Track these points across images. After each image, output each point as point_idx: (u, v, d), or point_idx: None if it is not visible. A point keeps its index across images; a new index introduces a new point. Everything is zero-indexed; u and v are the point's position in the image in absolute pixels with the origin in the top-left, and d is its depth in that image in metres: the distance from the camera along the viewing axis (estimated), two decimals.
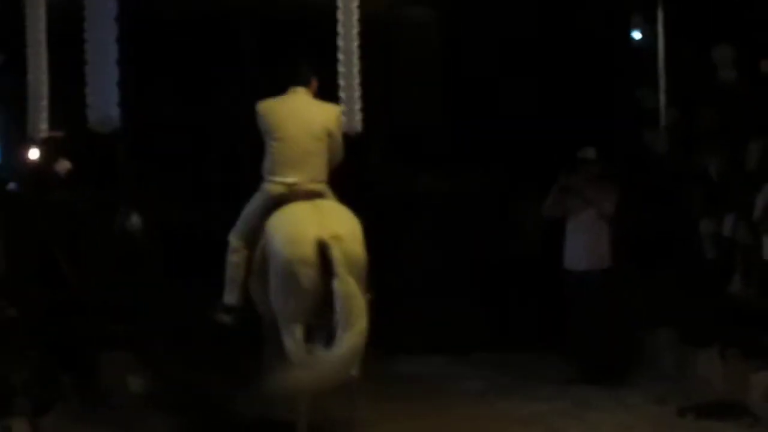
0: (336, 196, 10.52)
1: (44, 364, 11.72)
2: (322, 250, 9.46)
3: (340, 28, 6.17)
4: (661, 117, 14.09)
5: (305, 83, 9.37)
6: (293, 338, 9.79)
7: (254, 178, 20.70)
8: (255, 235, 10.32)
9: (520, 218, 17.96)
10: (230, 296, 10.61)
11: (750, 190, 13.99)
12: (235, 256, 10.53)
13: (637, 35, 18.53)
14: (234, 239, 10.59)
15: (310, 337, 9.92)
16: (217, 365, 14.62)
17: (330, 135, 10.18)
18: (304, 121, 8.57)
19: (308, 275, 9.55)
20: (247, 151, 20.81)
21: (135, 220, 15.11)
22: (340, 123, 10.54)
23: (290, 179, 10.17)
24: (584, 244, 14.73)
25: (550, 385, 14.28)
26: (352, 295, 9.29)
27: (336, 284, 9.29)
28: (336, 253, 9.37)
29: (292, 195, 10.10)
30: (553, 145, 15.79)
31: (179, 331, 15.96)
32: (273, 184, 10.31)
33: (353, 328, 9.21)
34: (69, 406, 12.06)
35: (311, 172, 10.22)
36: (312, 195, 10.13)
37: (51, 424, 11.21)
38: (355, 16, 6.16)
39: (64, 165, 15.39)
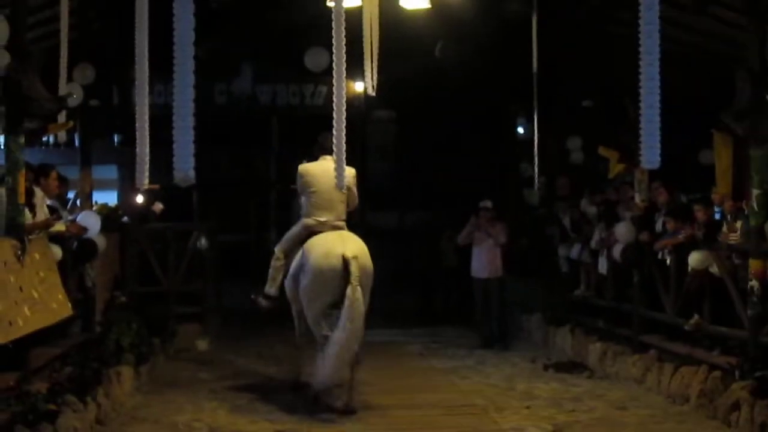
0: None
1: (142, 331, 11.65)
2: (345, 263, 9.29)
3: (334, 123, 6.13)
4: (535, 183, 14.08)
5: (331, 152, 8.83)
6: (317, 324, 9.62)
7: (279, 216, 20.85)
8: (292, 251, 10.22)
9: (444, 244, 18.01)
10: (271, 289, 10.46)
11: (590, 230, 14.06)
12: (278, 262, 10.43)
13: (521, 130, 18.58)
14: (278, 251, 10.51)
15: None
16: (253, 333, 14.56)
17: (348, 188, 9.88)
18: (331, 178, 7.79)
19: (335, 280, 9.34)
20: (273, 196, 20.98)
21: (203, 242, 15.12)
22: (355, 181, 10.31)
23: (322, 218, 9.99)
24: (485, 261, 14.71)
25: (462, 349, 14.26)
26: (357, 300, 9.11)
27: (349, 290, 9.12)
28: (353, 268, 9.22)
29: (322, 227, 9.96)
30: (465, 198, 15.79)
31: (228, 312, 16.01)
32: (309, 220, 10.09)
33: (353, 322, 9.04)
34: (158, 359, 11.99)
35: (336, 214, 10.07)
36: (336, 228, 10.00)
37: (147, 371, 11.15)
38: (344, 115, 6.10)
39: (158, 206, 15.37)
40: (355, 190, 10.28)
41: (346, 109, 6.91)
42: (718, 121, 10.68)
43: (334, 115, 6.81)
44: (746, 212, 10.11)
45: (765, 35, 9.72)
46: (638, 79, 6.16)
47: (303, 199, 10.30)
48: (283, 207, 20.85)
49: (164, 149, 3.66)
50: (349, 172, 9.56)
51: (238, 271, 17.23)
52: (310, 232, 9.97)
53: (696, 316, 10.69)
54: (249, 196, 20.52)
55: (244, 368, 12.34)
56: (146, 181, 4.54)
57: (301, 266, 9.76)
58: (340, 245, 9.50)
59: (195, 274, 14.81)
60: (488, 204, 14.81)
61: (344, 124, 6.86)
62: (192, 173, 3.77)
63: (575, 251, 14.77)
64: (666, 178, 12.43)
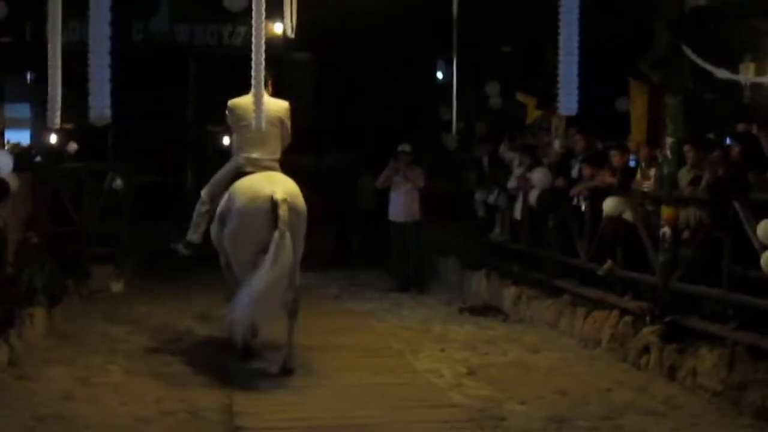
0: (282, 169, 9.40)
1: (55, 273, 11.49)
2: (274, 206, 8.39)
3: (253, 64, 6.05)
4: (453, 127, 14.13)
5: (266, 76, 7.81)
6: (243, 272, 8.68)
7: (196, 157, 20.69)
8: (219, 194, 9.16)
9: (362, 187, 18.02)
10: (194, 236, 9.42)
11: (506, 174, 14.14)
12: (203, 207, 9.42)
13: (440, 75, 18.60)
14: (204, 195, 9.46)
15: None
16: (169, 275, 14.45)
17: (282, 123, 9.23)
18: (264, 111, 7.05)
19: (263, 225, 8.43)
20: (192, 138, 20.81)
21: (118, 182, 14.95)
22: (289, 114, 9.42)
23: (254, 155, 9.07)
24: (403, 205, 14.75)
25: (378, 292, 14.32)
26: (284, 246, 8.19)
27: (276, 234, 8.20)
28: (282, 211, 8.33)
29: (254, 166, 9.03)
30: (384, 141, 15.79)
31: (144, 253, 15.86)
32: (240, 158, 9.18)
33: (275, 267, 8.11)
34: (71, 300, 11.85)
35: (269, 150, 9.17)
36: (268, 167, 9.09)
37: (60, 312, 10.99)
38: (263, 56, 6.03)
39: (72, 146, 15.19)
40: (288, 124, 9.47)
41: (265, 51, 6.85)
42: (635, 69, 10.79)
43: (253, 56, 6.73)
44: (660, 160, 10.25)
45: None
46: (557, 26, 6.18)
47: (234, 136, 9.52)
48: (200, 148, 20.79)
49: (79, 88, 3.58)
50: (282, 105, 9.28)
51: (154, 212, 17.21)
52: (240, 172, 9.08)
53: (609, 262, 10.84)
54: (165, 138, 20.34)
55: (159, 311, 12.24)
56: (58, 120, 4.45)
57: (228, 210, 8.87)
58: (269, 187, 8.63)
59: (110, 214, 14.64)
60: (407, 148, 14.80)
61: (263, 66, 6.79)
62: (108, 112, 3.71)
63: (492, 196, 14.85)
64: (583, 125, 12.55)
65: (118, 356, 9.47)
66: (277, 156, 9.33)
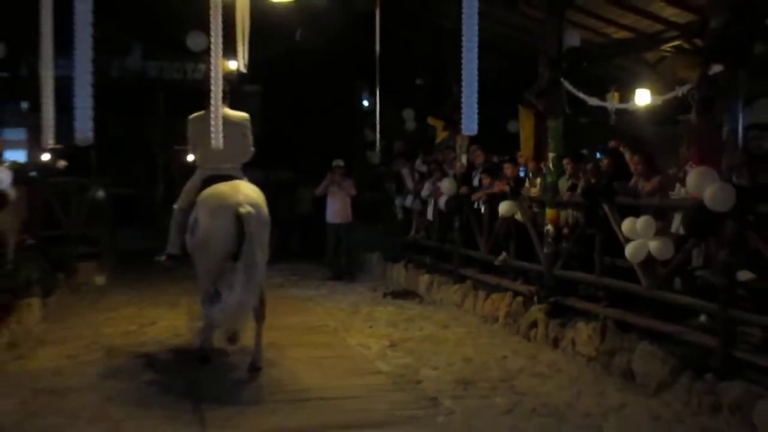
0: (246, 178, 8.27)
1: (48, 269, 11.30)
2: (239, 218, 7.25)
3: (212, 95, 6.02)
4: (376, 145, 14.15)
5: (224, 99, 7.13)
6: (206, 278, 7.59)
7: (164, 173, 20.43)
8: (190, 205, 7.89)
9: (300, 196, 17.98)
10: (173, 248, 8.17)
11: (421, 183, 14.18)
12: (176, 220, 8.15)
13: (365, 103, 18.60)
14: (176, 209, 8.21)
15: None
16: (145, 271, 14.26)
17: (242, 134, 8.08)
18: (225, 125, 6.27)
19: (227, 236, 7.30)
20: (161, 156, 20.59)
21: (99, 193, 14.77)
22: (248, 126, 8.24)
23: (216, 166, 7.92)
24: (338, 209, 14.76)
25: (316, 281, 14.27)
26: (255, 264, 7.12)
27: (245, 247, 7.11)
28: (247, 226, 7.20)
29: (217, 177, 7.84)
30: (319, 158, 15.76)
31: (122, 252, 15.64)
32: (205, 170, 8.03)
33: (247, 284, 7.01)
34: (62, 292, 11.64)
35: (231, 162, 7.97)
36: (231, 177, 7.89)
37: (52, 302, 10.80)
38: (220, 88, 6.01)
39: (61, 163, 14.95)
40: (250, 136, 8.27)
41: (222, 83, 6.80)
42: (523, 97, 10.89)
43: (212, 88, 6.69)
44: (544, 171, 10.35)
45: (561, 29, 9.93)
46: (460, 61, 6.24)
47: (197, 149, 8.24)
48: (167, 165, 20.58)
49: (67, 114, 3.55)
50: (241, 117, 8.18)
51: (129, 218, 17.13)
52: (205, 182, 7.96)
53: (504, 254, 10.93)
54: (139, 156, 20.18)
55: (136, 300, 12.07)
56: (51, 141, 4.39)
57: (195, 220, 7.69)
58: (233, 197, 7.46)
59: (93, 220, 14.43)
60: (340, 162, 14.93)
61: (220, 96, 6.75)
62: (90, 135, 3.67)
63: (409, 201, 14.91)
64: (482, 143, 12.65)
65: (101, 338, 9.33)
66: (239, 166, 8.21)
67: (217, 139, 6.17)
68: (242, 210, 7.28)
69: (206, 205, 7.60)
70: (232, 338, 7.67)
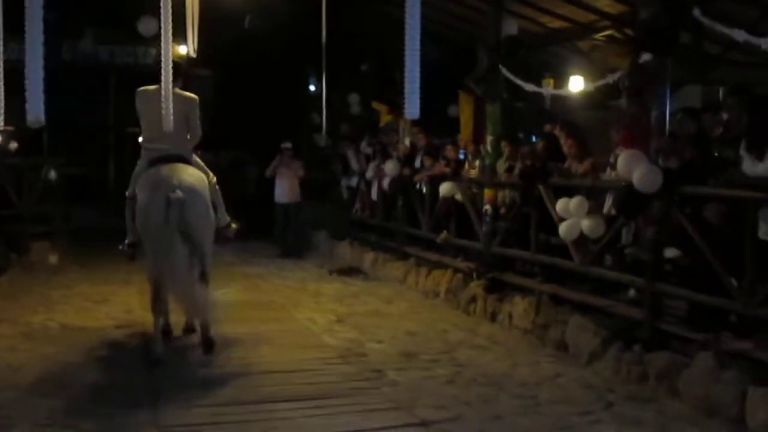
0: (194, 160, 7.77)
1: (1, 247, 11.07)
2: (168, 202, 6.81)
3: (162, 79, 5.91)
4: (323, 128, 14.08)
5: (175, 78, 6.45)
6: (149, 257, 7.13)
7: (115, 154, 20.17)
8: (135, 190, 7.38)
9: (252, 176, 17.88)
10: (130, 237, 7.69)
11: (366, 165, 14.17)
12: (129, 206, 7.56)
13: (312, 87, 18.49)
14: (128, 194, 7.61)
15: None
16: (97, 250, 14.03)
17: (187, 118, 7.45)
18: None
19: (159, 220, 6.85)
20: (111, 137, 20.31)
21: (52, 173, 14.50)
22: (196, 108, 7.61)
23: (160, 146, 7.29)
24: (287, 189, 14.76)
25: (266, 259, 14.22)
26: (172, 244, 6.77)
27: (166, 232, 6.82)
28: (174, 214, 6.81)
29: (163, 159, 7.29)
30: (268, 141, 15.66)
31: (75, 231, 15.40)
32: (150, 151, 7.45)
33: (169, 265, 6.82)
34: (15, 270, 11.43)
35: (175, 142, 7.21)
36: (178, 158, 7.33)
37: (6, 280, 10.62)
38: (170, 73, 5.91)
39: (13, 145, 14.63)
40: (196, 119, 7.65)
41: (172, 68, 6.68)
42: (463, 83, 10.90)
43: (162, 72, 6.57)
44: (483, 154, 10.40)
45: (499, 18, 9.96)
46: (404, 49, 6.21)
47: (143, 125, 7.62)
48: (119, 146, 20.28)
49: (19, 97, 3.46)
50: (189, 98, 7.58)
51: (81, 198, 16.87)
52: (150, 164, 7.39)
53: (444, 232, 10.98)
54: (91, 138, 19.86)
55: (88, 277, 11.88)
56: (2, 123, 4.29)
57: (137, 202, 7.30)
58: (168, 181, 7.01)
59: (45, 200, 14.15)
60: (288, 145, 14.91)
61: (171, 80, 6.63)
62: (42, 117, 3.57)
63: (354, 181, 14.90)
64: (424, 127, 12.66)
65: (55, 314, 9.17)
66: (185, 148, 7.59)
67: (167, 122, 6.05)
68: (174, 195, 6.86)
69: (144, 187, 7.20)
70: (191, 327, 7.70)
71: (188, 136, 7.61)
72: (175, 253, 6.82)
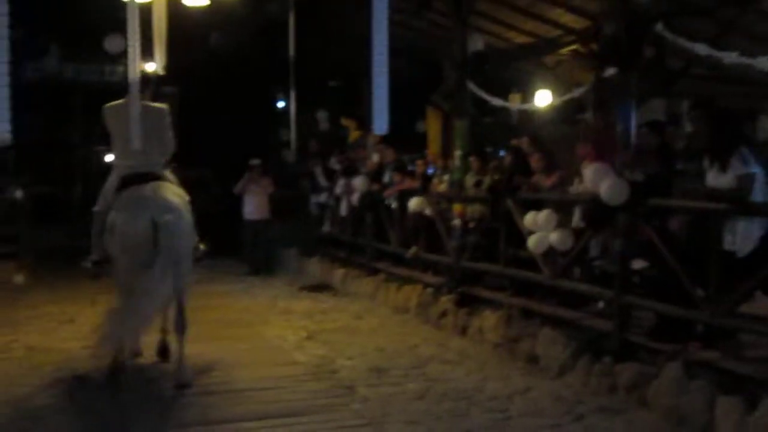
0: (171, 176, 7.48)
1: None
2: (154, 227, 6.47)
3: (129, 97, 5.89)
4: (291, 145, 14.11)
5: (141, 90, 6.77)
6: (123, 281, 6.70)
7: (82, 172, 19.99)
8: (109, 206, 6.90)
9: (221, 193, 17.79)
10: (95, 254, 7.15)
11: (335, 181, 14.16)
12: (97, 224, 7.11)
13: (280, 104, 18.51)
14: (96, 211, 7.17)
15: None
16: (63, 270, 13.87)
17: (163, 127, 7.22)
18: (143, 116, 6.20)
19: (143, 247, 6.44)
20: (78, 156, 20.16)
21: (18, 192, 14.37)
22: (168, 119, 7.31)
23: (133, 163, 6.94)
24: (256, 206, 14.70)
25: (235, 277, 14.12)
26: (153, 276, 6.33)
27: (158, 261, 6.39)
28: (163, 239, 6.47)
29: (135, 176, 6.90)
30: (236, 158, 15.63)
31: (42, 250, 15.23)
32: (121, 168, 7.06)
33: (146, 293, 6.31)
34: None
35: (149, 158, 6.99)
36: (152, 175, 6.98)
37: None
38: (137, 90, 5.88)
39: None
40: (168, 131, 7.36)
41: (141, 79, 6.65)
42: (430, 99, 10.96)
43: (130, 90, 6.54)
44: (451, 168, 10.43)
45: (465, 35, 10.02)
46: (371, 66, 6.24)
47: (114, 142, 7.23)
48: (86, 164, 20.13)
49: None
50: (161, 108, 7.29)
51: (48, 217, 16.71)
52: (123, 181, 6.98)
53: (414, 247, 10.98)
54: (57, 156, 19.71)
55: (55, 298, 11.73)
56: None
57: (113, 223, 6.76)
58: (152, 204, 6.66)
59: (12, 219, 14.02)
60: (257, 162, 14.86)
61: (138, 98, 6.60)
62: (8, 135, 3.54)
63: (323, 197, 14.88)
64: (392, 142, 12.70)
65: (19, 335, 9.05)
66: (158, 162, 7.25)
67: (136, 139, 6.01)
68: (159, 218, 6.52)
69: (122, 209, 6.75)
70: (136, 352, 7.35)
71: (162, 150, 7.31)
72: (152, 273, 6.37)
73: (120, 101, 7.00)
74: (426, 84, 11.50)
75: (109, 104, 7.22)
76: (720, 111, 6.92)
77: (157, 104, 7.35)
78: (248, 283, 13.39)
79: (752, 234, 6.11)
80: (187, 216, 7.07)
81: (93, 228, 7.29)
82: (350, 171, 13.59)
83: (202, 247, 8.00)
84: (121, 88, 6.84)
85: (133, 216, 6.63)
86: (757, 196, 6.11)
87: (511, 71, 12.92)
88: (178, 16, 10.47)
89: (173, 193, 7.05)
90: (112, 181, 7.22)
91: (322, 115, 17.83)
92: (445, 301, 9.57)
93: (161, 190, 6.89)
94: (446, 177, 10.74)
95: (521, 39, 11.39)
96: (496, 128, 12.79)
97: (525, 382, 7.11)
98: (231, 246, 16.06)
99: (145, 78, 6.59)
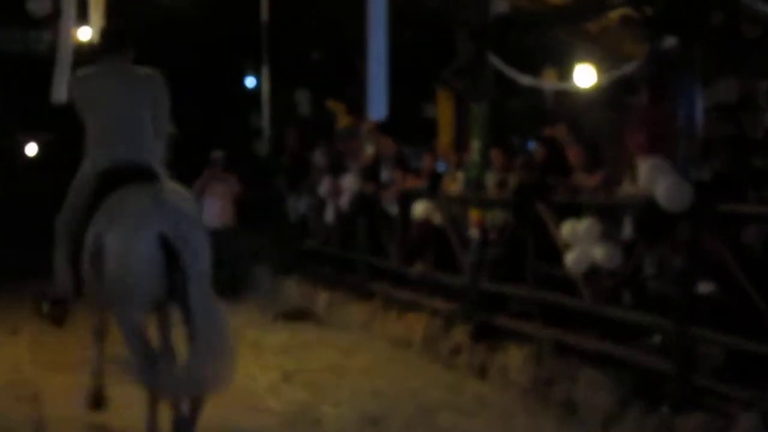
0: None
1: None
2: (167, 244, 5.69)
3: (56, 69, 5.91)
4: (264, 132, 14.12)
5: (121, 51, 6.19)
6: (134, 334, 5.90)
7: (3, 164, 19.98)
8: (85, 220, 5.95)
9: None
10: (62, 288, 6.29)
11: (318, 180, 14.18)
12: (62, 248, 6.22)
13: (250, 82, 18.53)
14: (60, 227, 6.24)
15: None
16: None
17: (156, 102, 6.46)
18: (128, 86, 5.65)
19: (153, 269, 5.71)
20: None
21: None
22: (163, 89, 6.61)
23: (116, 153, 6.14)
24: (218, 211, 14.63)
25: None
26: (207, 307, 5.86)
27: (191, 288, 5.70)
28: (186, 255, 5.71)
29: (122, 171, 6.05)
30: (195, 149, 15.63)
31: None
32: (99, 157, 6.18)
33: (210, 339, 5.90)
34: None
35: (140, 143, 6.24)
36: (142, 169, 6.12)
37: None
38: (70, 60, 5.93)
39: None
40: (165, 109, 6.62)
41: (74, 57, 6.64)
42: (441, 77, 10.97)
43: (58, 62, 6.54)
44: (466, 164, 10.42)
45: None
46: (366, 34, 6.21)
47: (88, 123, 6.38)
48: (8, 154, 20.13)
49: None
50: (151, 74, 6.67)
51: None
52: (103, 178, 6.08)
53: (419, 264, 10.97)
54: None
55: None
56: None
57: (102, 243, 5.82)
58: (157, 212, 5.79)
59: None
60: (219, 154, 14.77)
61: (67, 70, 6.59)
62: None
63: (303, 203, 14.86)
64: (392, 131, 12.69)
65: None
66: (155, 150, 6.49)
67: (57, 93, 5.90)
68: (171, 232, 5.76)
69: (118, 221, 5.86)
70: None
71: (154, 133, 6.54)
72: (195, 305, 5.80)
73: (93, 67, 6.48)
74: (435, 58, 11.51)
75: (79, 72, 6.68)
76: None
77: (147, 69, 6.73)
78: None
79: None
80: (202, 223, 6.57)
81: (57, 251, 6.45)
82: (338, 167, 13.58)
83: None
84: (47, 60, 6.84)
85: (132, 229, 5.81)
86: None
87: (543, 41, 12.91)
88: None
89: (182, 196, 6.27)
90: (85, 174, 6.37)
91: (303, 96, 17.82)
92: (459, 333, 9.57)
93: (164, 192, 6.10)
94: (460, 175, 10.73)
95: (557, 0, 11.38)
96: (524, 114, 12.79)
97: None
98: None
99: (121, 32, 6.48)
